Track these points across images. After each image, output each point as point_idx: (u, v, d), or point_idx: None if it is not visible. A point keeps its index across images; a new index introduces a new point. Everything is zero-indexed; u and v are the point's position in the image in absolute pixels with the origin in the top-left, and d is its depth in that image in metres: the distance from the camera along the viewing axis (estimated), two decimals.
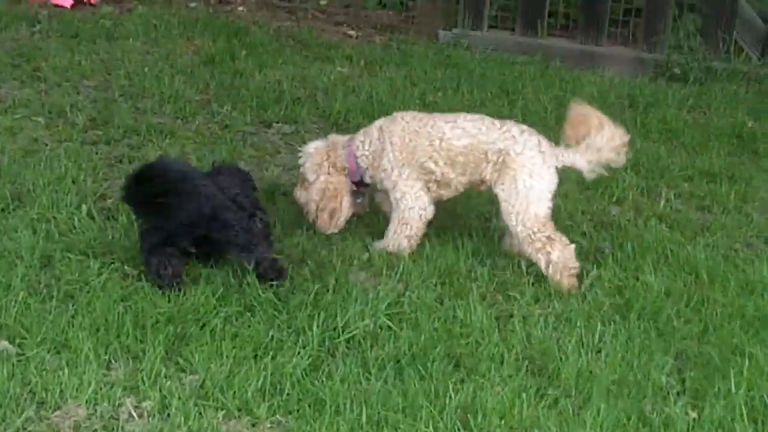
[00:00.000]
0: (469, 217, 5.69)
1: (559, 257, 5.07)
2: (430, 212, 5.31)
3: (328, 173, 5.35)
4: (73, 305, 4.53)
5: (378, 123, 5.41)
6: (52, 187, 5.57)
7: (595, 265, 5.23)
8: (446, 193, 5.38)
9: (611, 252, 5.40)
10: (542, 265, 5.10)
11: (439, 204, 5.43)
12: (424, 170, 5.26)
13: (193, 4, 9.31)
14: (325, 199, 5.33)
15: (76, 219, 5.25)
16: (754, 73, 8.08)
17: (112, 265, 4.90)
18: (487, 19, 8.73)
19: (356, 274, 5.03)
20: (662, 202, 6.03)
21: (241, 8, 9.33)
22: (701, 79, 8.09)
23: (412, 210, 5.26)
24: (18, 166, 5.84)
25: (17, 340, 4.27)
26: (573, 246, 5.14)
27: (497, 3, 8.86)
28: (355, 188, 5.46)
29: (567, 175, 6.17)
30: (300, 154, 5.48)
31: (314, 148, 5.43)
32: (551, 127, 6.83)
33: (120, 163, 6.04)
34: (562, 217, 5.71)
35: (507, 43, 8.58)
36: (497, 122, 5.25)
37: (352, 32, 9.00)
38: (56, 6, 8.85)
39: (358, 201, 5.54)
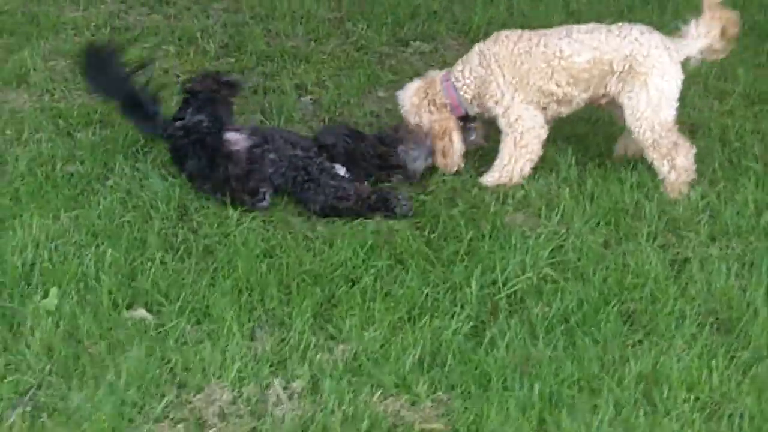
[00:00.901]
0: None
1: (682, 163, 4.63)
2: (545, 132, 4.76)
3: (430, 112, 4.82)
4: (212, 263, 4.04)
5: (477, 47, 4.83)
6: None
7: None
8: (566, 111, 4.83)
9: None
10: (665, 169, 4.65)
11: (596, 130, 4.83)
12: (544, 93, 4.71)
13: None
14: (433, 140, 4.80)
15: None
16: None
17: (252, 212, 4.40)
18: None
19: (512, 216, 4.45)
20: None
21: None
22: None
23: (531, 131, 4.72)
24: None
25: (155, 307, 3.80)
26: (694, 151, 4.67)
27: None
28: (461, 123, 4.89)
29: (731, 88, 5.52)
30: (398, 98, 4.94)
31: (410, 88, 4.90)
32: None
33: (255, 94, 5.51)
34: (729, 137, 5.04)
35: None
36: (613, 28, 4.67)
37: None
38: None
39: (471, 137, 4.98)
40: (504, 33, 4.79)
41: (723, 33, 4.65)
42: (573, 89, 4.68)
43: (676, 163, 4.61)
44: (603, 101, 4.76)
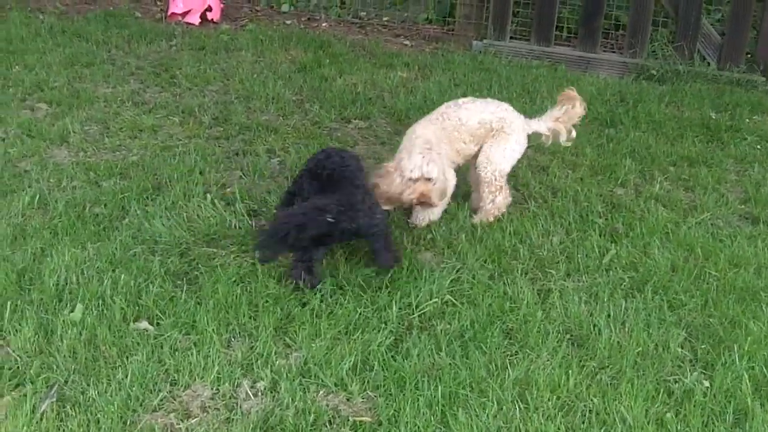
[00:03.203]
0: None
1: (499, 201, 4.55)
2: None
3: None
4: (200, 287, 3.83)
5: (416, 138, 4.39)
6: (184, 179, 4.85)
7: (612, 243, 4.44)
8: (463, 162, 4.68)
9: (623, 231, 4.58)
10: (488, 200, 4.55)
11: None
12: (458, 152, 4.57)
13: (288, 22, 8.48)
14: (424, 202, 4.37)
15: (202, 207, 4.52)
16: (712, 75, 7.18)
17: (231, 247, 4.19)
18: (509, 32, 7.85)
19: (423, 254, 4.28)
20: (657, 185, 5.20)
21: (324, 24, 8.49)
22: (672, 80, 7.18)
23: (452, 185, 4.53)
24: (158, 159, 5.12)
25: (155, 321, 3.58)
26: (510, 199, 4.63)
27: (517, 19, 7.97)
28: None
29: (582, 162, 5.41)
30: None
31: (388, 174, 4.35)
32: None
33: (236, 155, 5.29)
34: (580, 199, 4.92)
35: (524, 50, 7.71)
36: (489, 101, 4.72)
37: (407, 42, 8.15)
38: (187, 24, 8.05)
39: None
40: (419, 127, 4.52)
41: (570, 117, 4.69)
42: (471, 145, 4.58)
43: (495, 200, 4.54)
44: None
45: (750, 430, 3.15)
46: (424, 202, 4.33)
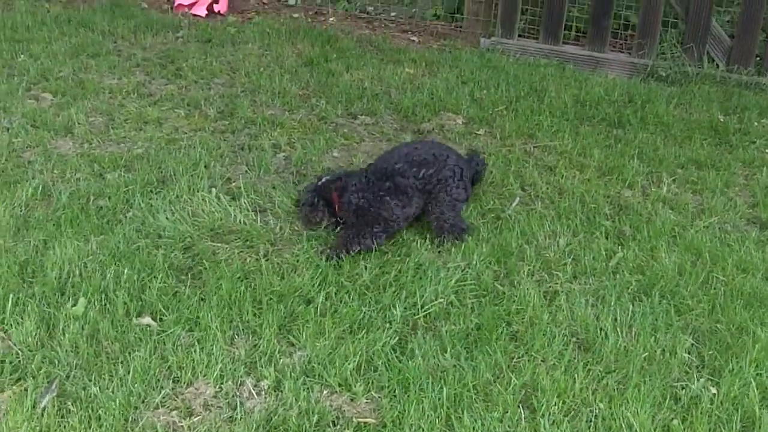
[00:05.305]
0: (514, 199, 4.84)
1: None
2: None
3: None
4: (203, 283, 3.80)
5: None
6: (188, 172, 4.81)
7: (619, 246, 4.39)
8: None
9: (631, 234, 4.54)
10: None
11: (492, 190, 4.66)
12: None
13: (296, 15, 8.42)
14: None
15: (207, 201, 4.48)
16: (721, 77, 7.13)
17: (236, 243, 4.16)
18: (517, 30, 7.79)
19: (428, 254, 4.23)
20: (664, 187, 5.15)
21: (332, 19, 8.44)
22: (681, 81, 7.13)
23: None
24: (163, 152, 5.08)
25: (158, 316, 3.55)
26: None
27: (526, 17, 7.91)
28: None
29: (589, 163, 5.36)
30: None
31: None
32: (571, 119, 6.02)
33: (242, 150, 5.25)
34: (587, 200, 4.87)
35: (532, 49, 7.65)
36: None
37: (414, 38, 8.09)
38: (194, 16, 8.01)
39: None
40: None
41: None
42: None
43: None
44: None
45: None
46: None
